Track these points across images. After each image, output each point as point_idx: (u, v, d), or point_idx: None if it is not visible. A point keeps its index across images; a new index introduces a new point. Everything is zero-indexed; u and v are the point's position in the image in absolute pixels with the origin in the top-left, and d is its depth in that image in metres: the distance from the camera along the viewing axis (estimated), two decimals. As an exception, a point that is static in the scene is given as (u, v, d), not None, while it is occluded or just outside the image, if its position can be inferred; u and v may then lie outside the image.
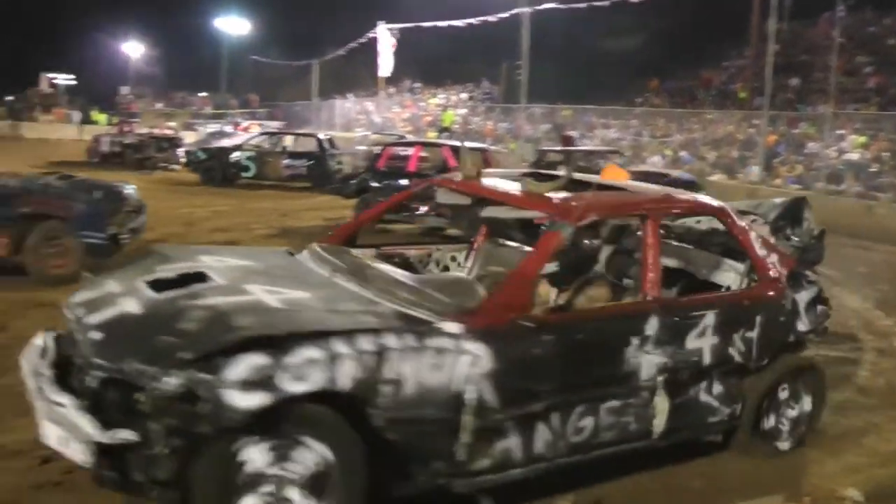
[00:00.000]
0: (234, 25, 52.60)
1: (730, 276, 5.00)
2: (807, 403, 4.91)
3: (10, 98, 47.68)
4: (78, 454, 3.10)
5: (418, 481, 3.52)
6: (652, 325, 4.09)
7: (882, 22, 27.81)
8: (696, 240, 5.34)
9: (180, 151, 22.92)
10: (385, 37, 39.39)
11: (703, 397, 4.44)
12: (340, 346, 3.19)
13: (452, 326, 3.51)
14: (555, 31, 31.80)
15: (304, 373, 3.10)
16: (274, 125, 40.22)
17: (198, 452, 3.05)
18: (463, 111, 36.66)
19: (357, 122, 42.09)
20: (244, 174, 18.92)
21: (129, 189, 9.14)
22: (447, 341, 3.46)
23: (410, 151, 13.29)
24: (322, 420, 3.21)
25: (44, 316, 6.53)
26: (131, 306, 3.59)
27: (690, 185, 12.44)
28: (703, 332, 4.31)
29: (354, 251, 4.61)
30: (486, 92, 39.94)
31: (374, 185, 12.56)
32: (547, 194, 4.31)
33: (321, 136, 20.19)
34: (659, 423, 4.22)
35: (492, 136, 30.47)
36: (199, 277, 3.83)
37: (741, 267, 4.89)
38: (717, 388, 4.48)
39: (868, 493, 4.42)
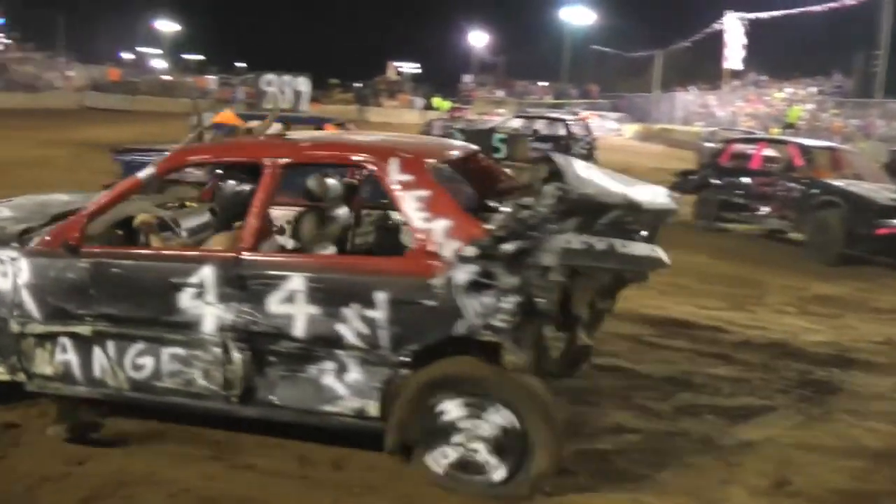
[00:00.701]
0: (579, 15, 53.49)
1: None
2: (517, 424, 3.66)
3: (358, 85, 52.18)
4: None
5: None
6: (209, 277, 3.91)
7: None
8: None
9: (438, 126, 23.22)
10: (734, 27, 38.33)
11: (325, 379, 3.87)
12: None
13: (13, 250, 4.23)
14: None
15: None
16: (613, 116, 40.71)
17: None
18: (810, 106, 34.74)
19: (697, 116, 41.35)
20: (495, 154, 18.78)
21: None
22: (10, 256, 4.22)
23: (754, 148, 13.05)
24: None
25: None
26: None
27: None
28: (290, 298, 3.81)
29: None
30: (837, 85, 37.40)
31: (715, 181, 12.52)
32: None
33: (570, 120, 20.90)
34: (234, 386, 3.95)
35: (840, 133, 28.68)
36: None
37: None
38: (349, 374, 3.84)
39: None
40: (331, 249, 4.36)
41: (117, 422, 4.32)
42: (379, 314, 3.72)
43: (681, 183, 13.13)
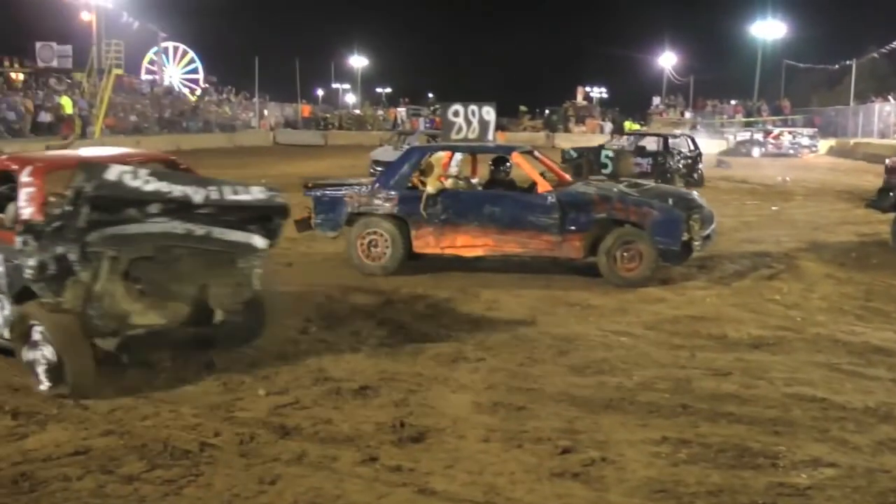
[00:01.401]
0: (769, 29, 51.62)
1: None
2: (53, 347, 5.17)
3: (547, 111, 52.40)
4: None
5: None
6: None
7: None
8: None
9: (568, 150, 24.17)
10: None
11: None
12: None
13: None
14: None
15: None
16: (807, 132, 38.85)
17: None
18: None
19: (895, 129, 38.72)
20: (603, 171, 19.97)
21: (699, 197, 9.44)
22: None
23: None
24: None
25: (570, 314, 7.45)
26: None
27: None
28: None
29: None
30: None
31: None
32: None
33: (669, 135, 22.32)
34: None
35: None
36: None
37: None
38: (4, 310, 5.67)
39: None
40: None
41: (303, 443, 4.51)
42: (1, 268, 5.57)
43: (878, 201, 12.38)
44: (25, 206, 5.42)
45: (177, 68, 57.13)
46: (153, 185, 5.09)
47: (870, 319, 7.37)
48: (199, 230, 5.40)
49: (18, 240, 5.14)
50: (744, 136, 39.22)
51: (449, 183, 9.29)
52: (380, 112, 57.09)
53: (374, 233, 9.04)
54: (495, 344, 6.42)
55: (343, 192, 9.29)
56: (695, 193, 9.61)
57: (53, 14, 39.48)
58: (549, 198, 8.72)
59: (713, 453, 4.39)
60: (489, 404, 5.12)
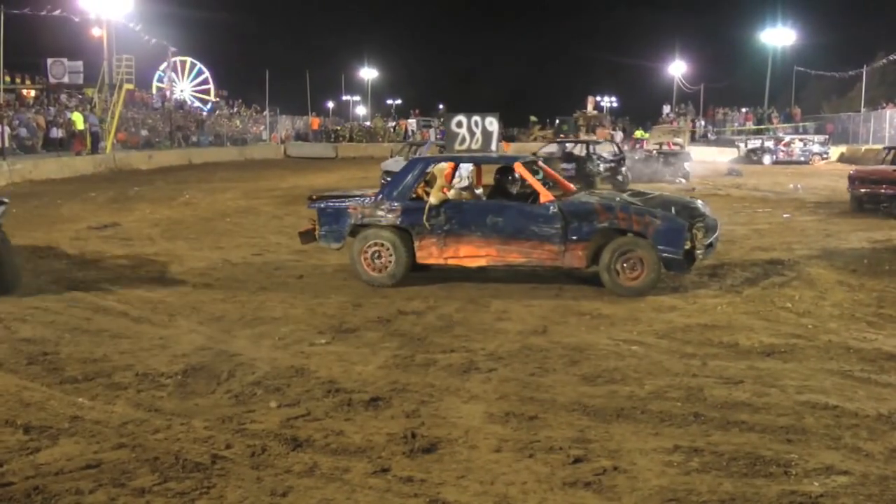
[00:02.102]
0: (779, 37, 51.58)
1: None
2: None
3: (558, 121, 52.50)
4: None
5: None
6: None
7: None
8: None
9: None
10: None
11: None
12: None
13: None
14: None
15: None
16: (818, 139, 38.80)
17: None
18: None
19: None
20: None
21: (703, 205, 9.45)
22: None
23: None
24: None
25: (581, 323, 7.44)
26: None
27: None
28: None
29: None
30: None
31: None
32: None
33: (592, 142, 25.09)
34: None
35: None
36: None
37: None
38: None
39: None
40: None
41: (314, 455, 4.51)
42: None
43: (890, 207, 12.45)
44: None
45: (187, 82, 57.52)
46: None
47: (882, 326, 7.34)
48: None
49: None
50: (755, 143, 39.18)
51: (452, 193, 9.30)
52: (390, 124, 57.26)
53: (378, 244, 9.06)
54: (506, 354, 6.42)
55: (347, 203, 9.31)
56: (699, 202, 9.59)
57: (65, 30, 39.70)
58: (552, 207, 8.73)
59: (725, 461, 4.38)
60: (501, 414, 5.11)
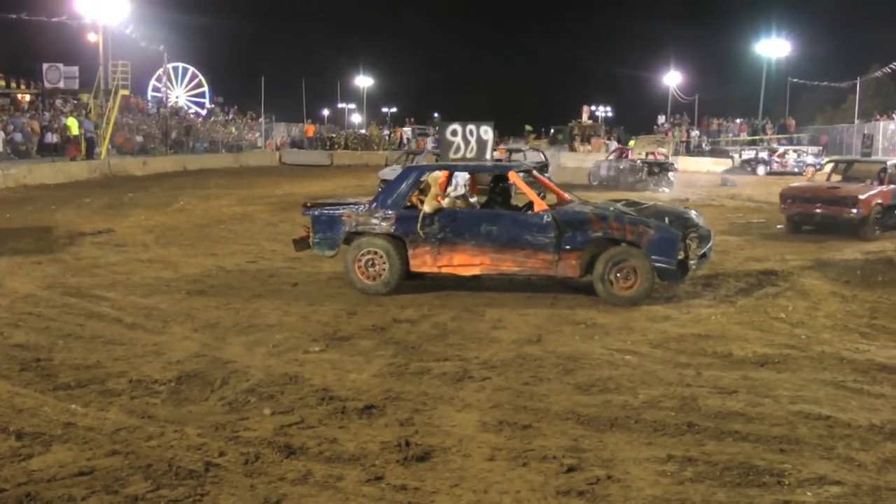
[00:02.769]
0: (774, 48, 51.78)
1: None
2: None
3: (553, 130, 52.62)
4: None
5: None
6: None
7: None
8: None
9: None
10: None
11: None
12: None
13: None
14: None
15: None
16: (812, 150, 38.95)
17: None
18: None
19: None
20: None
21: (697, 215, 9.47)
22: None
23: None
24: None
25: (575, 333, 7.44)
26: None
27: None
28: None
29: None
30: None
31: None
32: None
33: (515, 150, 24.68)
34: None
35: None
36: None
37: None
38: None
39: None
40: None
41: (308, 463, 4.51)
42: None
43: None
44: None
45: (182, 89, 57.50)
46: None
47: (875, 337, 7.37)
48: None
49: None
50: (749, 154, 39.30)
51: (446, 202, 9.31)
52: (385, 132, 57.30)
53: (372, 252, 9.07)
54: (500, 363, 6.42)
55: (341, 210, 9.32)
56: (693, 212, 9.61)
57: (61, 35, 39.70)
58: (546, 217, 8.74)
59: (719, 471, 4.39)
60: (495, 423, 5.11)
